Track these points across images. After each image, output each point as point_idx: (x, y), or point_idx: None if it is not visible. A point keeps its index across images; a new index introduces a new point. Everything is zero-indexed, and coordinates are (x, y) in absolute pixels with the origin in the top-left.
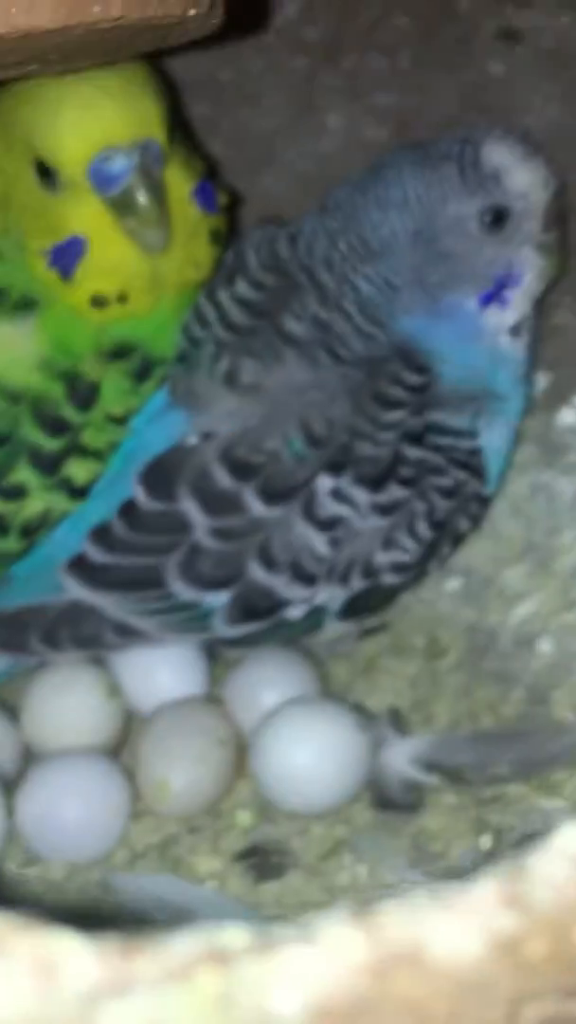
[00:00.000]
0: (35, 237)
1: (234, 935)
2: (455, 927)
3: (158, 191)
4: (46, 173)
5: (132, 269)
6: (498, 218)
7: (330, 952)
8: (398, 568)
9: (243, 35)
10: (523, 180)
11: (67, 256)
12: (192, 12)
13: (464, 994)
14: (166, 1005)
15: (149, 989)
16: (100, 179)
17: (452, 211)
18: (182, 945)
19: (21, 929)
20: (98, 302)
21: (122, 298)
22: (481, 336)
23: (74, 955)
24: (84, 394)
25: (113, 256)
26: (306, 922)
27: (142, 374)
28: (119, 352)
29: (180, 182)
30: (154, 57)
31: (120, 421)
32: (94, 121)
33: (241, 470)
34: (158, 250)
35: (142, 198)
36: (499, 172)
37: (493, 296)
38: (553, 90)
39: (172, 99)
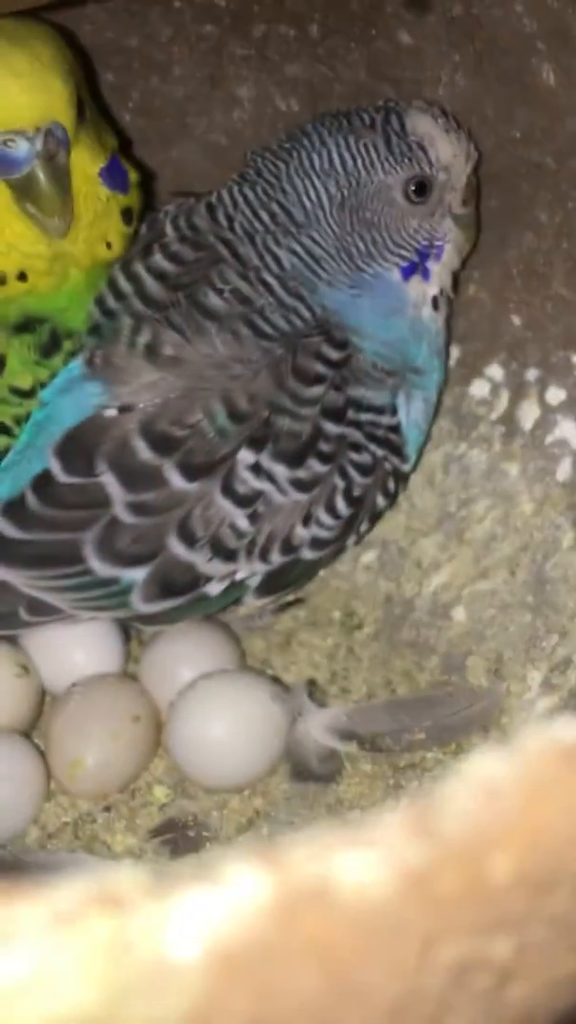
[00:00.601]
0: None
1: (128, 877)
2: (362, 862)
3: (61, 177)
4: None
5: (32, 249)
6: (422, 188)
7: (231, 893)
8: (317, 543)
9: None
10: (447, 151)
11: None
12: None
13: (373, 933)
14: (53, 954)
15: (34, 937)
16: (2, 162)
17: (378, 179)
18: (71, 889)
19: None
20: None
21: (22, 276)
22: (403, 308)
23: None
24: None
25: (11, 236)
26: (206, 862)
27: (50, 347)
28: (25, 325)
29: (87, 163)
30: (60, 7)
31: (27, 394)
32: None
33: (162, 444)
34: (59, 235)
35: (43, 185)
36: (424, 142)
37: (416, 267)
38: (461, 60)
39: (85, 69)
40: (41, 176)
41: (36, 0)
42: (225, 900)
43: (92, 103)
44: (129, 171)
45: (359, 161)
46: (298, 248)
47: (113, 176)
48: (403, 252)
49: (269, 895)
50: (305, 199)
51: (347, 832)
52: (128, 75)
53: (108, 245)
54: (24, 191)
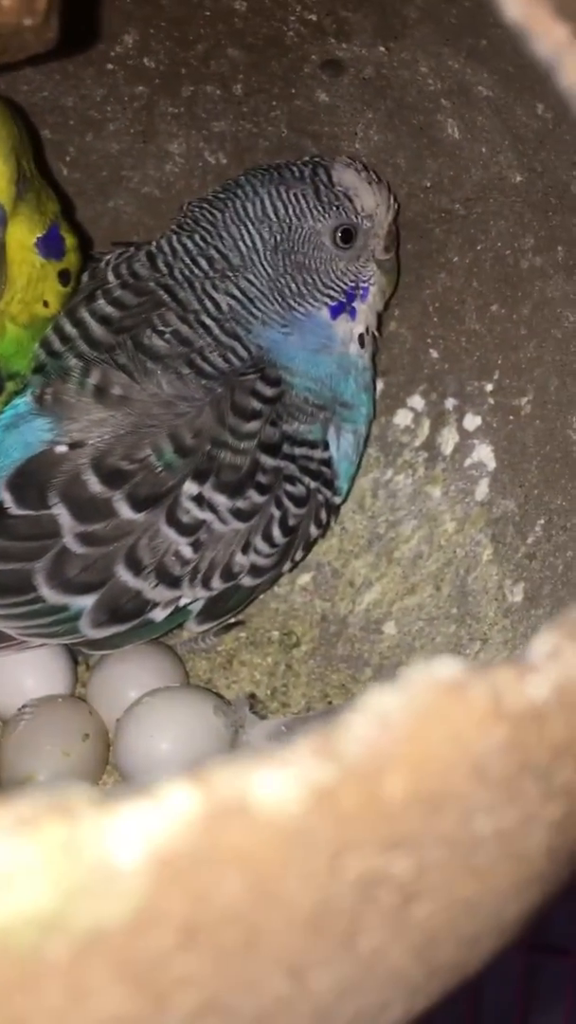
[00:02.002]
0: None
1: (78, 791)
2: (276, 779)
3: None
4: None
5: None
6: (348, 235)
7: (166, 806)
8: (255, 571)
9: (75, 54)
10: (371, 202)
11: None
12: (28, 22)
13: (288, 843)
14: (15, 853)
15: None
16: None
17: (308, 226)
18: (29, 799)
19: None
20: None
21: None
22: (332, 345)
23: None
24: None
25: None
26: (144, 781)
27: None
28: None
29: (25, 234)
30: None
31: None
32: None
33: (112, 477)
34: None
35: None
36: (350, 193)
37: (343, 307)
38: (374, 116)
39: (31, 137)
40: None
41: None
42: (161, 812)
43: (36, 170)
44: (67, 237)
45: (291, 209)
46: (234, 290)
47: (49, 245)
48: (331, 293)
49: (197, 808)
50: (241, 244)
51: (263, 755)
52: (64, 131)
53: (45, 304)
54: None
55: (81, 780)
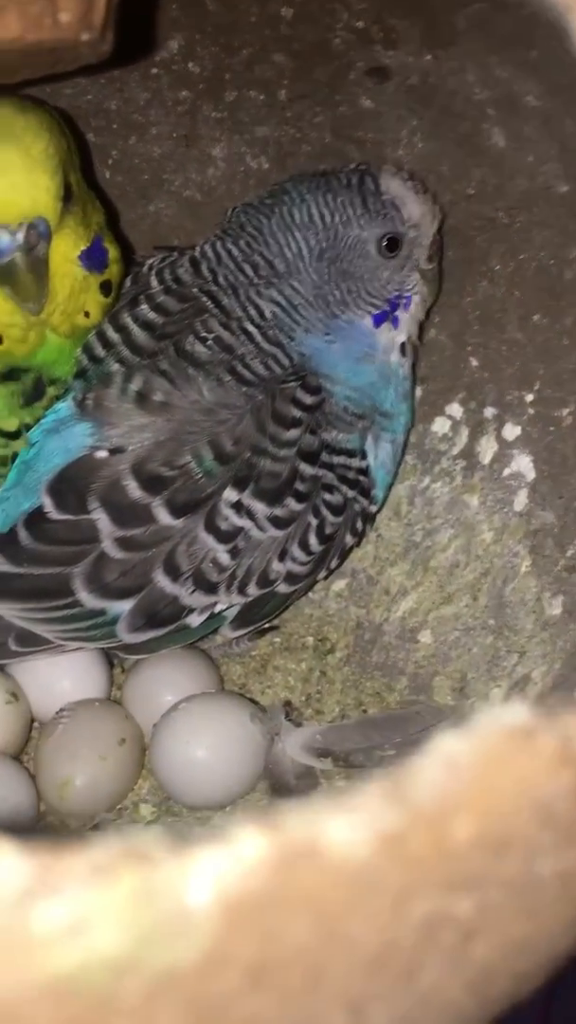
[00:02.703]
0: None
1: (151, 837)
2: (345, 823)
3: (39, 267)
4: None
5: (8, 320)
6: (393, 244)
7: (238, 850)
8: (291, 578)
9: (126, 64)
10: (416, 211)
11: None
12: (85, 37)
13: (356, 886)
14: (92, 901)
15: (76, 887)
16: None
17: (354, 234)
18: (104, 845)
19: None
20: None
21: None
22: (373, 354)
23: (3, 857)
24: None
25: None
26: (215, 825)
27: (35, 394)
28: (9, 374)
29: (69, 247)
30: (47, 82)
31: (12, 436)
32: None
33: (152, 483)
34: (34, 315)
35: (21, 275)
36: (396, 202)
37: (386, 316)
38: (419, 124)
39: (79, 146)
40: (19, 266)
41: (19, 76)
42: (233, 857)
43: (82, 181)
44: (110, 248)
45: (337, 217)
46: (278, 297)
47: (92, 259)
48: (375, 301)
49: (268, 853)
50: (287, 250)
51: (333, 799)
52: (107, 135)
53: (86, 314)
54: (3, 277)
55: (117, 785)
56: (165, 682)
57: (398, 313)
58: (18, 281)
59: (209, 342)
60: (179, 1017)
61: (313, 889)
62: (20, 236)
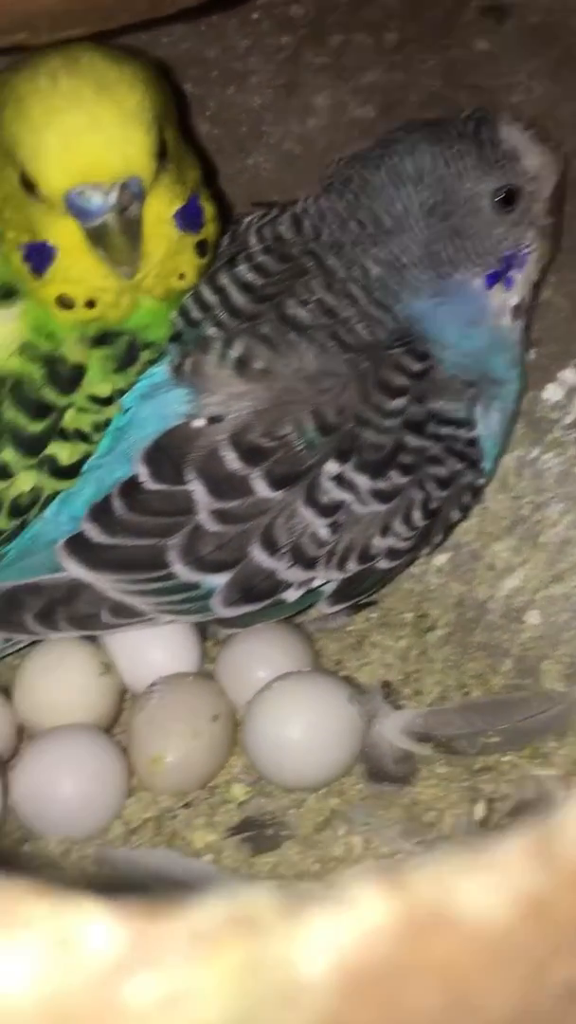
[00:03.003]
0: (13, 229)
1: (259, 898)
2: (483, 886)
3: (132, 228)
4: (28, 184)
5: (100, 284)
6: (510, 198)
7: (358, 915)
8: (392, 553)
9: (227, 9)
10: (536, 163)
11: (39, 257)
12: None
13: (494, 954)
14: (191, 975)
15: (174, 959)
16: (76, 210)
17: (468, 188)
18: (206, 911)
19: (36, 896)
20: (65, 303)
21: (90, 304)
22: (484, 317)
23: (96, 923)
24: (66, 376)
25: (81, 269)
26: (332, 883)
27: (129, 358)
28: (103, 338)
29: (163, 207)
30: (144, 29)
31: (106, 402)
32: (76, 155)
33: (251, 454)
34: (127, 278)
35: (114, 237)
36: (515, 153)
37: (499, 276)
38: (539, 66)
39: (176, 98)
40: (112, 228)
41: (117, 20)
42: (352, 921)
43: (180, 136)
44: (206, 207)
45: (451, 169)
46: (385, 256)
47: (187, 218)
48: (488, 260)
49: (394, 917)
50: (395, 205)
51: (468, 856)
52: (205, 85)
53: (181, 276)
54: (96, 239)
55: (209, 763)
56: (258, 657)
57: (512, 273)
58: (111, 244)
59: (311, 305)
60: None
61: (444, 958)
62: (113, 196)
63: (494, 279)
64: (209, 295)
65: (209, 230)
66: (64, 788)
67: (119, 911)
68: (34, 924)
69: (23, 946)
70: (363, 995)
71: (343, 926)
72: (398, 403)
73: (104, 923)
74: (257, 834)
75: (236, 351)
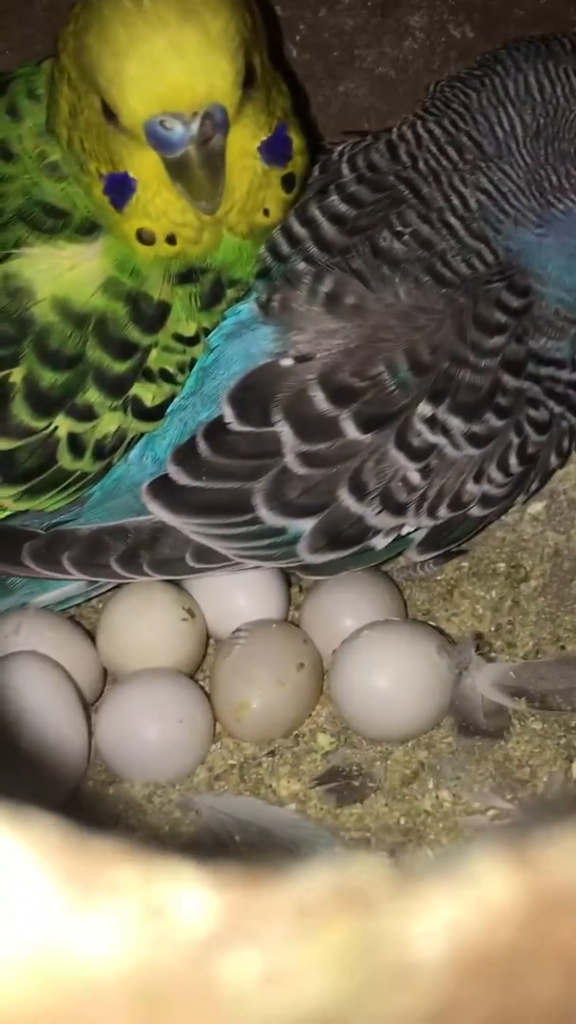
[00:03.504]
0: (95, 159)
1: (372, 870)
2: None
3: (214, 161)
4: (108, 112)
5: (180, 219)
6: None
7: (480, 893)
8: (486, 500)
9: None
10: None
11: (120, 189)
12: None
13: None
14: (294, 952)
15: (275, 934)
16: (157, 140)
17: None
18: (313, 882)
19: (126, 858)
20: (145, 239)
21: (171, 239)
22: None
23: (190, 891)
24: (151, 315)
25: (161, 203)
26: (452, 857)
27: (213, 296)
28: (188, 275)
29: (248, 139)
30: None
31: (191, 341)
32: (157, 83)
33: (341, 395)
34: (208, 214)
35: (195, 170)
36: None
37: None
38: None
39: (265, 22)
40: (193, 160)
41: None
42: (473, 900)
43: (268, 62)
44: (294, 138)
45: (559, 88)
46: (486, 184)
47: (274, 150)
48: None
49: (519, 897)
50: (498, 129)
51: None
52: (296, 6)
53: (266, 212)
54: (176, 171)
55: (294, 711)
56: (345, 606)
57: None
58: (191, 177)
59: (406, 237)
60: None
61: (572, 943)
62: (195, 126)
63: None
64: (299, 228)
65: (297, 163)
66: (149, 732)
67: (217, 879)
68: (123, 890)
69: (110, 914)
70: (481, 979)
71: (463, 904)
72: (496, 341)
73: (200, 892)
74: (343, 785)
75: (326, 286)
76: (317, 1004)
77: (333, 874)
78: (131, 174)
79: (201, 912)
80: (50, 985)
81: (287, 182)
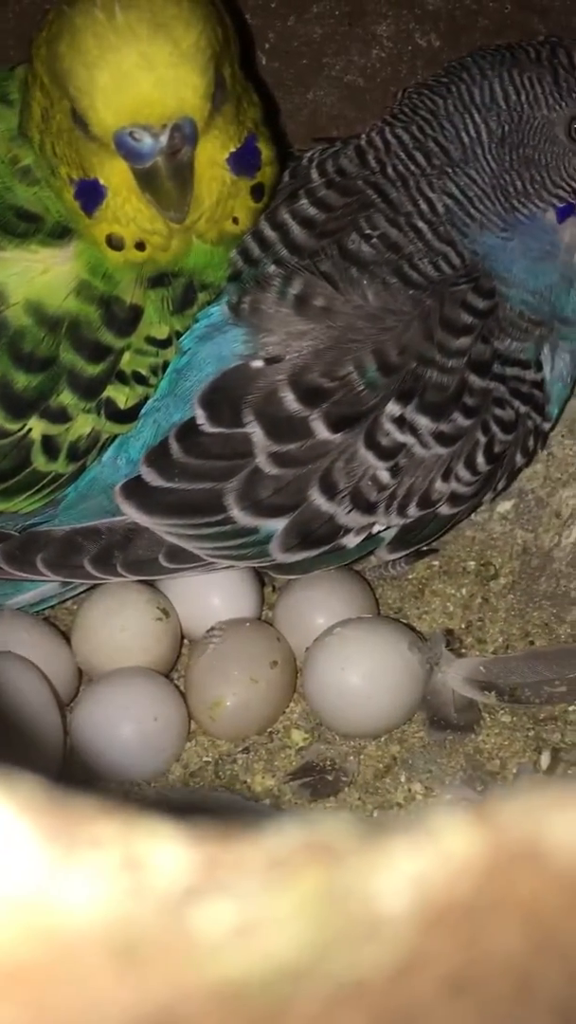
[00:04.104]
0: (66, 164)
1: (339, 827)
2: None
3: (182, 172)
4: (79, 120)
5: (149, 226)
6: None
7: (443, 848)
8: (455, 499)
9: None
10: None
11: (90, 195)
12: None
13: None
14: (266, 904)
15: (248, 886)
16: (127, 151)
17: (542, 115)
18: (283, 838)
19: (105, 815)
20: (114, 244)
21: (139, 246)
22: (555, 252)
23: (166, 846)
24: (123, 318)
25: (131, 211)
26: (416, 814)
27: (186, 300)
28: (160, 279)
29: (217, 150)
30: None
31: (164, 344)
32: (127, 95)
33: (311, 395)
34: (177, 223)
35: (163, 181)
36: None
37: (572, 209)
38: None
39: (237, 33)
40: (162, 171)
41: None
42: (436, 854)
43: (239, 72)
44: (263, 149)
45: (523, 96)
46: (452, 188)
47: (242, 161)
48: (561, 192)
49: (480, 851)
50: (464, 135)
51: (560, 791)
52: (265, 15)
53: (235, 220)
54: (145, 181)
55: (268, 708)
56: (318, 604)
57: None
58: (160, 188)
59: (374, 240)
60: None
61: (531, 896)
62: (163, 138)
63: (566, 213)
64: (269, 232)
65: (266, 173)
66: (124, 731)
67: (191, 834)
68: (102, 844)
69: (90, 867)
70: (444, 931)
71: (427, 858)
72: (462, 342)
73: (176, 846)
74: (317, 779)
75: (295, 289)
76: (289, 954)
77: (303, 831)
78: (101, 181)
79: (177, 865)
80: (31, 935)
81: (256, 192)
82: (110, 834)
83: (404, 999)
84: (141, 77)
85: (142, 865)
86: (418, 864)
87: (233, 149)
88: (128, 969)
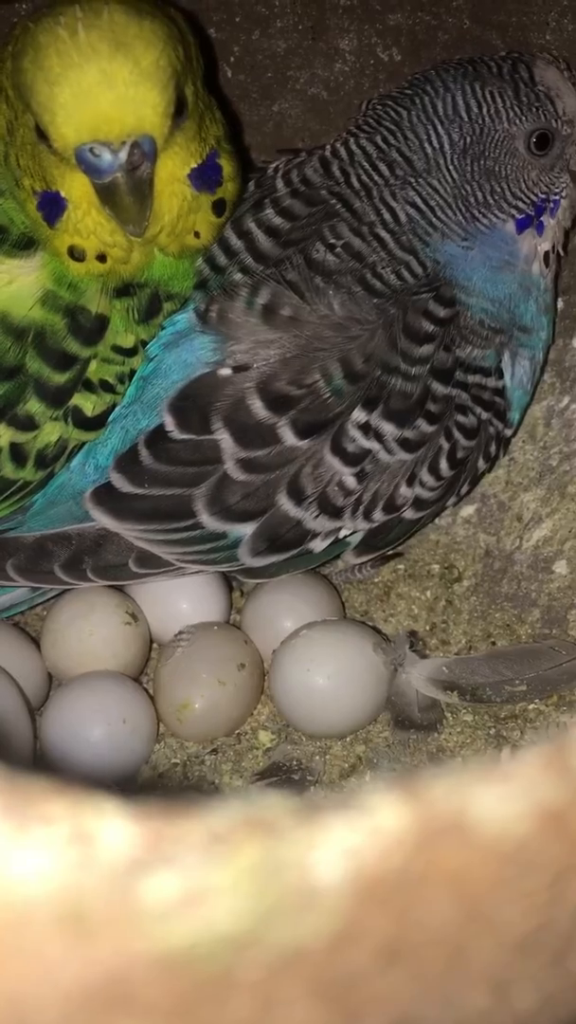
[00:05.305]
0: (29, 176)
1: (277, 803)
2: (499, 797)
3: (141, 189)
4: (42, 134)
5: (110, 239)
6: (544, 141)
7: (374, 822)
8: (419, 503)
9: None
10: (572, 105)
11: (52, 207)
12: None
13: (508, 865)
14: (208, 875)
15: (191, 859)
16: (87, 166)
17: (503, 128)
18: (224, 813)
19: (55, 793)
20: (76, 256)
21: (100, 257)
22: (514, 262)
23: (114, 821)
24: (89, 327)
25: (91, 223)
26: (349, 792)
27: (151, 309)
28: (125, 289)
29: (177, 166)
30: None
31: (130, 352)
32: (87, 112)
33: (278, 403)
34: (136, 237)
35: (122, 196)
36: (552, 94)
37: (531, 221)
38: (570, 4)
39: (200, 49)
40: (121, 187)
41: None
42: (368, 829)
43: (203, 89)
44: (225, 165)
45: (485, 109)
46: (415, 198)
47: (204, 177)
48: (520, 204)
49: (409, 826)
50: (427, 146)
51: (484, 768)
52: (230, 29)
53: (196, 235)
54: (105, 196)
55: (236, 710)
56: (285, 607)
57: (544, 218)
58: (119, 203)
59: (338, 249)
60: (303, 994)
61: (458, 867)
62: (123, 155)
63: (525, 224)
64: (235, 240)
65: (228, 189)
66: (93, 734)
67: (137, 810)
68: (52, 820)
69: (40, 842)
70: (378, 902)
71: (359, 833)
72: (425, 350)
73: (122, 821)
74: (283, 779)
75: (263, 298)
76: (231, 924)
77: (243, 807)
78: (63, 193)
79: (123, 839)
80: None
81: (218, 207)
82: (60, 811)
83: (342, 967)
84: (101, 94)
85: (90, 839)
86: (352, 838)
87: (195, 165)
88: (77, 938)
